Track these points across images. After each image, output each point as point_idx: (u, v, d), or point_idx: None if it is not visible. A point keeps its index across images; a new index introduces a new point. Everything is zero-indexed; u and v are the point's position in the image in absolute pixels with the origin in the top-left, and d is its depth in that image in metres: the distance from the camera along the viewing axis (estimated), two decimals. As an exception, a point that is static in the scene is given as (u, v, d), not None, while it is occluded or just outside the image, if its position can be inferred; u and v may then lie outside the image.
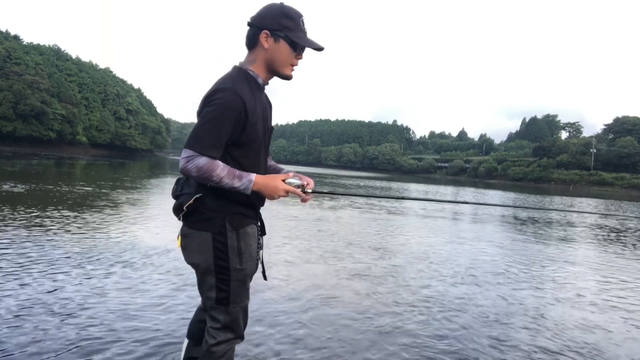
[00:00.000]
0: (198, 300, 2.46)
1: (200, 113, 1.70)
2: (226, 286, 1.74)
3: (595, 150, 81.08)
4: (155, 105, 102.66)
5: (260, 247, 1.88)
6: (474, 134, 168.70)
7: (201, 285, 1.79)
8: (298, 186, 1.81)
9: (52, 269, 4.25)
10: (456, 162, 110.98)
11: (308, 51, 1.83)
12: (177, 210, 1.77)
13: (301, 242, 6.82)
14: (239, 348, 2.85)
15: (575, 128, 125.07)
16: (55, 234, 5.91)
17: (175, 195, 1.80)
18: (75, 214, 7.75)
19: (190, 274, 4.20)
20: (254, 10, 1.81)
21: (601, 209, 21.78)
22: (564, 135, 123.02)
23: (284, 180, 1.78)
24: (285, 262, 5.36)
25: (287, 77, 1.84)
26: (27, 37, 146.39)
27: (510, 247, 7.76)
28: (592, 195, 42.41)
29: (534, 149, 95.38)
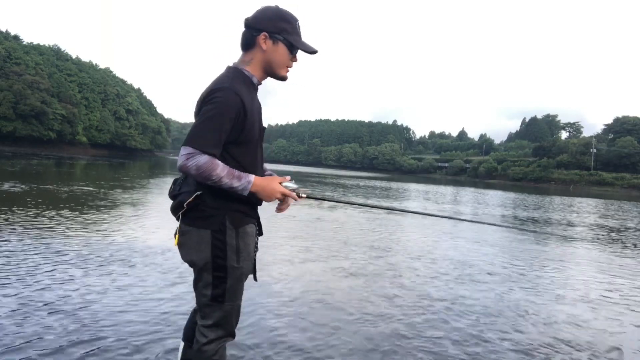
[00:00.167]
0: (196, 299, 2.46)
1: (198, 112, 1.71)
2: (222, 284, 1.75)
3: (595, 150, 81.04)
4: (155, 105, 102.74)
5: (256, 247, 1.90)
6: (474, 134, 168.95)
7: (197, 283, 1.80)
8: (293, 190, 1.85)
9: (51, 267, 4.26)
10: (456, 162, 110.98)
11: (305, 52, 1.87)
12: (176, 208, 1.77)
13: (299, 241, 6.83)
14: (232, 346, 2.87)
15: (575, 128, 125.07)
16: (55, 233, 5.92)
17: (173, 195, 1.80)
18: (75, 213, 7.76)
19: (188, 273, 4.21)
20: (253, 11, 1.83)
21: (601, 209, 21.80)
22: (564, 135, 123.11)
23: (280, 183, 1.81)
24: (283, 261, 5.37)
25: (283, 78, 1.89)
26: (27, 37, 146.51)
27: (508, 247, 7.77)
28: (592, 195, 42.42)
29: (534, 149, 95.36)
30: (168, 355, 2.67)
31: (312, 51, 1.84)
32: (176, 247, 1.81)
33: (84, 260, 4.67)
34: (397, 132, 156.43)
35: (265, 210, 1.99)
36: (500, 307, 4.14)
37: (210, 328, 1.78)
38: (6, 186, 11.15)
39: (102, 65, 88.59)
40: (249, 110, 1.71)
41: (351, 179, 39.99)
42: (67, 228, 6.37)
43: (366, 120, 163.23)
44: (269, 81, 1.91)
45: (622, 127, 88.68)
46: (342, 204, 13.15)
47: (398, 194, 22.52)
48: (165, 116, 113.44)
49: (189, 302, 3.52)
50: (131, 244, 5.63)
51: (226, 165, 1.66)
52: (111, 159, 45.86)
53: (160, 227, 7.10)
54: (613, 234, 10.99)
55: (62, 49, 75.34)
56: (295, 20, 1.82)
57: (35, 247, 5.04)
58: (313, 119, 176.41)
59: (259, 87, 1.89)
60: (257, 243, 1.90)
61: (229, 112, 1.64)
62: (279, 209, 1.91)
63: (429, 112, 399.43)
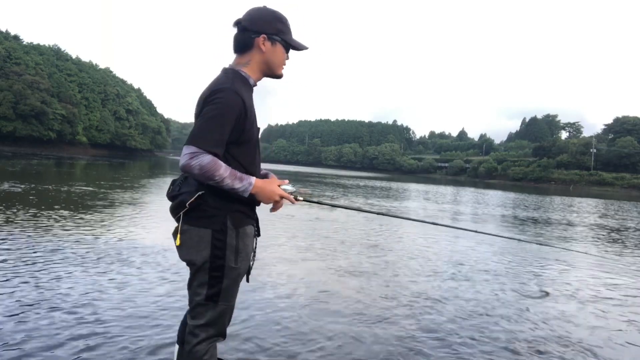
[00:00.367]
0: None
1: (199, 114, 1.71)
2: (218, 284, 1.75)
3: (595, 150, 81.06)
4: (155, 105, 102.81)
5: (254, 250, 1.91)
6: (474, 134, 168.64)
7: (192, 282, 1.80)
8: (291, 193, 1.88)
9: (51, 267, 4.28)
10: (456, 162, 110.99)
11: (300, 50, 1.95)
12: (176, 208, 1.76)
13: (298, 240, 6.84)
14: (228, 343, 2.88)
15: (575, 128, 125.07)
16: (54, 232, 5.94)
17: (172, 195, 1.79)
18: (75, 213, 7.77)
19: (186, 272, 4.22)
20: (243, 13, 1.86)
21: (601, 209, 21.81)
22: (564, 135, 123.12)
23: (279, 186, 1.83)
24: (280, 260, 5.38)
25: (280, 77, 1.94)
26: (27, 37, 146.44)
27: (508, 247, 7.77)
28: (592, 195, 42.43)
29: (534, 149, 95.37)
30: (166, 353, 2.68)
31: (305, 48, 1.93)
32: (175, 247, 1.80)
33: (83, 258, 4.69)
34: (397, 132, 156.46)
35: (265, 210, 2.01)
36: (494, 305, 4.17)
37: (201, 327, 1.78)
38: (6, 186, 11.17)
39: (102, 65, 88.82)
40: (249, 110, 1.74)
41: (351, 179, 39.99)
42: (67, 227, 6.38)
43: (366, 120, 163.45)
44: (270, 81, 1.96)
45: (622, 127, 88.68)
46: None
47: (398, 194, 22.53)
48: (165, 116, 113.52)
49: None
50: (130, 243, 5.64)
51: (228, 167, 1.67)
52: (111, 159, 45.88)
53: (159, 227, 7.11)
54: (613, 234, 11.00)
55: (62, 49, 75.53)
56: (287, 19, 1.89)
57: (35, 246, 5.06)
58: (313, 119, 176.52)
59: (255, 88, 1.92)
60: (255, 245, 1.91)
61: (231, 112, 1.66)
62: (274, 209, 1.93)
63: (429, 112, 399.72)
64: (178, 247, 1.79)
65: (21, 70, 58.22)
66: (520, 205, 20.57)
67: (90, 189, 12.49)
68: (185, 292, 1.88)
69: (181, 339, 2.01)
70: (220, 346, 2.55)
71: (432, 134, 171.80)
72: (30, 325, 2.91)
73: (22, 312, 3.12)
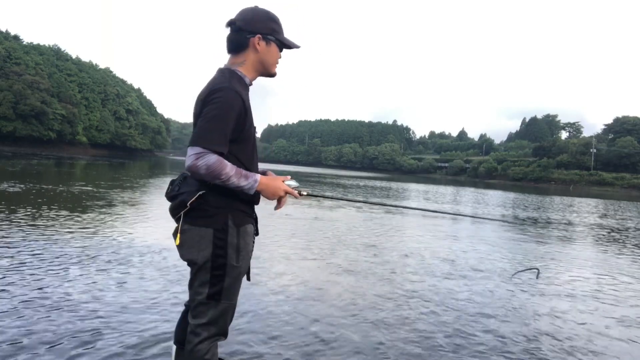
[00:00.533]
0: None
1: (199, 114, 1.72)
2: (220, 282, 1.76)
3: (595, 150, 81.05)
4: (155, 105, 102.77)
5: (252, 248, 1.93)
6: (474, 134, 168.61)
7: (193, 281, 1.80)
8: (295, 188, 1.91)
9: (51, 266, 4.29)
10: (456, 162, 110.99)
11: (293, 48, 2.00)
12: (176, 208, 1.76)
13: (297, 240, 6.85)
14: (227, 343, 2.89)
15: (575, 128, 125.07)
16: (54, 232, 5.95)
17: (171, 195, 1.79)
18: (75, 213, 7.78)
19: (187, 272, 4.24)
20: (236, 14, 1.89)
21: (601, 209, 21.81)
22: (564, 135, 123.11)
23: (282, 182, 1.87)
24: (279, 259, 5.39)
25: (274, 75, 1.98)
26: (27, 37, 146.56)
27: (507, 246, 7.79)
28: (592, 195, 42.43)
29: (534, 149, 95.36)
30: (165, 353, 2.69)
31: (297, 47, 1.97)
32: (175, 246, 1.81)
33: (83, 258, 4.70)
34: (397, 132, 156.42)
35: (264, 210, 2.02)
36: (487, 302, 4.22)
37: (203, 326, 1.78)
38: (6, 186, 11.18)
39: (102, 65, 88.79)
40: (248, 109, 1.77)
41: (351, 179, 40.00)
42: (67, 227, 6.39)
43: (366, 120, 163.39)
44: (270, 81, 1.99)
45: (622, 127, 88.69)
46: (340, 203, 13.17)
47: (398, 194, 22.54)
48: (165, 116, 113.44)
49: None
50: (130, 243, 5.65)
51: (234, 165, 1.69)
52: (111, 159, 45.88)
53: (159, 227, 7.12)
54: (613, 234, 11.01)
55: (62, 49, 75.49)
56: (279, 18, 1.92)
57: (34, 246, 5.07)
58: (313, 119, 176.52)
59: (255, 88, 1.95)
60: (254, 243, 1.93)
61: (232, 111, 1.68)
62: (279, 207, 1.96)
63: (429, 112, 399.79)
64: (178, 247, 1.79)
65: (21, 70, 58.22)
66: (521, 205, 20.57)
67: (90, 189, 12.49)
68: (183, 290, 1.88)
69: (178, 340, 2.01)
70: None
71: (432, 134, 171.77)
72: (30, 324, 2.92)
73: (22, 311, 3.13)
